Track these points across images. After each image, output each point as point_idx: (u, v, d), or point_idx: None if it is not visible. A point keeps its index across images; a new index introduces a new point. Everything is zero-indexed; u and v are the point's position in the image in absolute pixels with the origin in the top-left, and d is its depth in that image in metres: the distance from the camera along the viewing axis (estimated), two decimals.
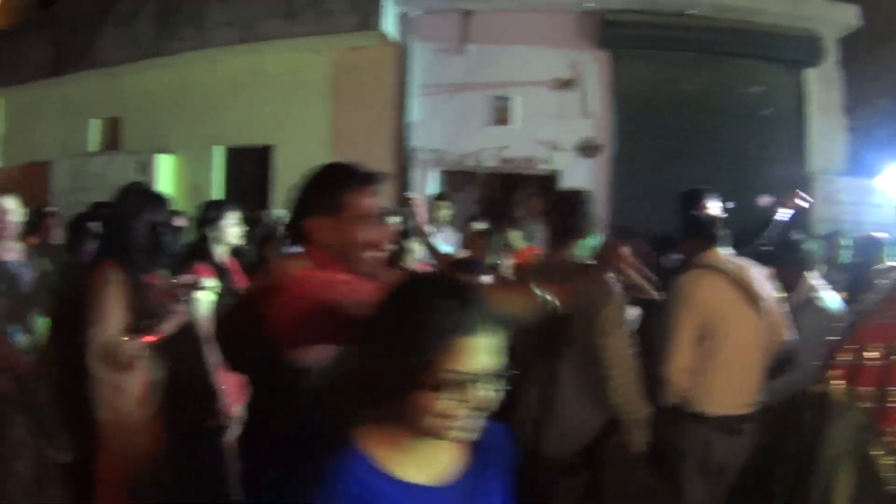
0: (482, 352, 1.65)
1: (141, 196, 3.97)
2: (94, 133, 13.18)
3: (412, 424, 1.69)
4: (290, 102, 10.43)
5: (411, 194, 6.26)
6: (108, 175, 11.75)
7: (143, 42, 11.56)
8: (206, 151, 11.25)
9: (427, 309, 1.66)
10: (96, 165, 12.21)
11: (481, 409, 1.68)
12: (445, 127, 10.03)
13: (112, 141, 12.82)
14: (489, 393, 1.68)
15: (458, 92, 10.03)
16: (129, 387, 3.64)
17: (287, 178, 10.17)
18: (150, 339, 3.62)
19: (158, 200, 3.98)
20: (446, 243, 6.42)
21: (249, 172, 11.00)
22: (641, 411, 4.03)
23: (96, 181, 11.87)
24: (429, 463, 1.77)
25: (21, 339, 4.66)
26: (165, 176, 11.40)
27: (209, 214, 5.02)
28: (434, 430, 1.68)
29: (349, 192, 2.60)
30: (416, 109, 10.11)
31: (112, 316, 3.56)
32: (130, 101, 12.36)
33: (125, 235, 3.76)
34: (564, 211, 4.20)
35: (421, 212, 5.54)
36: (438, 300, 1.67)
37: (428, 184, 9.98)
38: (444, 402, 1.64)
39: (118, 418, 3.63)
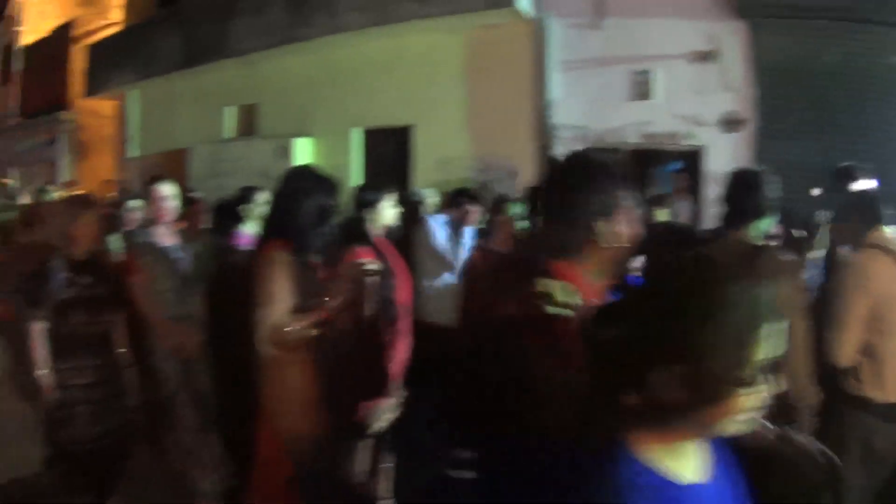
0: (776, 337, 1.47)
1: (309, 177, 3.91)
2: (231, 120, 13.58)
3: (698, 427, 1.54)
4: (427, 83, 10.42)
5: None
6: (246, 160, 12.12)
7: (276, 30, 11.81)
8: (344, 134, 11.39)
9: (732, 300, 1.45)
10: (234, 151, 12.56)
11: (769, 398, 1.51)
12: (585, 103, 9.80)
13: (248, 127, 13.18)
14: (775, 380, 1.51)
15: (597, 67, 9.82)
16: (295, 368, 3.61)
17: (426, 158, 10.28)
18: (318, 317, 3.55)
19: (326, 182, 3.91)
20: None
21: (388, 153, 11.04)
22: (812, 397, 3.89)
23: (234, 166, 12.26)
24: (693, 460, 1.62)
25: (185, 322, 4.75)
26: (304, 159, 11.51)
27: (368, 197, 4.93)
28: (721, 429, 1.52)
29: (625, 189, 2.28)
30: (555, 86, 9.92)
31: (280, 297, 3.53)
32: (266, 88, 12.66)
33: (293, 216, 3.72)
34: (740, 191, 4.03)
35: None
36: (737, 287, 1.46)
37: None
38: (742, 399, 1.47)
39: (282, 400, 3.61)
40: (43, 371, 4.11)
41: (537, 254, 2.38)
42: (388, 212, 4.90)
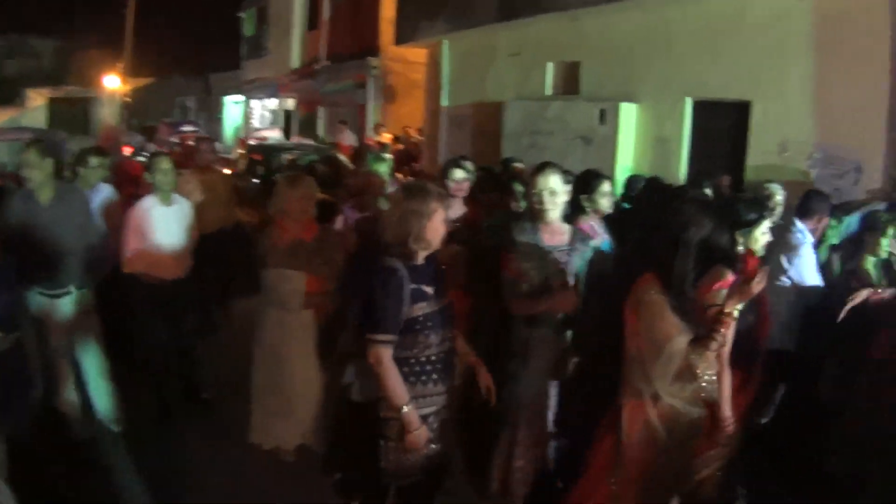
0: None
1: (699, 208, 3.59)
2: (550, 77, 13.48)
3: None
4: (769, 54, 9.55)
5: None
6: (565, 121, 12.09)
7: None
8: (674, 103, 10.81)
9: None
10: (553, 110, 12.51)
11: None
12: None
13: (569, 86, 13.04)
14: None
15: None
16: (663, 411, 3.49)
17: (763, 140, 9.54)
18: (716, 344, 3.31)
19: (716, 214, 3.61)
20: None
21: (721, 130, 10.41)
22: None
23: (552, 126, 12.28)
24: None
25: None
26: (628, 126, 11.31)
27: (746, 216, 4.38)
28: None
29: None
30: None
31: (675, 333, 3.37)
32: (590, 46, 12.39)
33: (674, 254, 3.45)
34: None
35: None
36: None
37: None
38: None
39: (639, 441, 3.56)
40: (406, 406, 3.57)
41: None
42: (763, 238, 4.46)
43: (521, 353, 4.30)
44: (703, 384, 3.39)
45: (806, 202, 5.83)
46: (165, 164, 6.13)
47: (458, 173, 5.77)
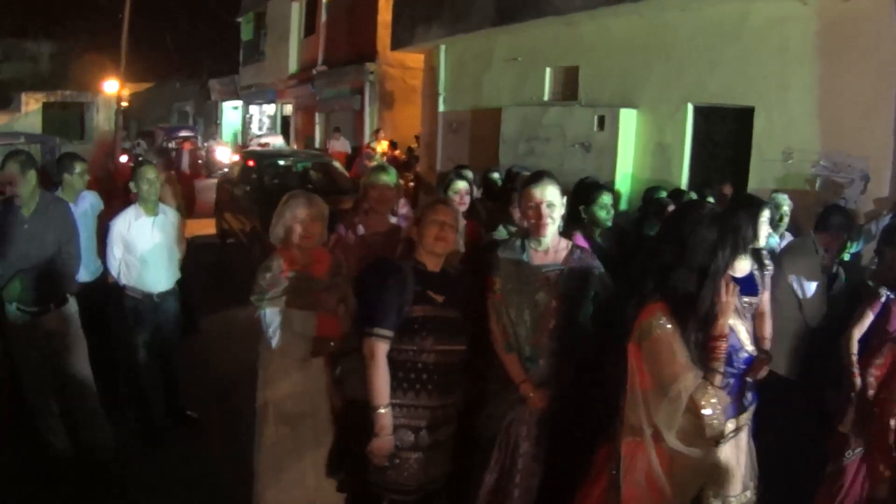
0: None
1: (716, 228, 3.10)
2: (548, 83, 13.21)
3: None
4: (772, 59, 9.27)
5: None
6: (563, 127, 11.82)
7: None
8: (675, 109, 10.54)
9: None
10: (551, 116, 12.24)
11: None
12: None
13: (567, 91, 12.78)
14: None
15: None
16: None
17: (766, 147, 9.22)
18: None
19: (734, 236, 3.17)
20: None
21: (723, 137, 10.15)
22: None
23: (550, 132, 12.02)
24: None
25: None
26: (628, 132, 11.02)
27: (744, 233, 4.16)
28: None
29: None
30: None
31: (685, 369, 3.00)
32: (589, 51, 12.12)
33: (683, 278, 3.07)
34: None
35: None
36: None
37: None
38: None
39: (638, 483, 3.22)
40: (383, 408, 3.46)
41: None
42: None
43: (503, 380, 3.89)
44: (714, 421, 3.02)
45: (825, 216, 5.51)
46: (150, 173, 5.84)
47: (460, 184, 5.49)
